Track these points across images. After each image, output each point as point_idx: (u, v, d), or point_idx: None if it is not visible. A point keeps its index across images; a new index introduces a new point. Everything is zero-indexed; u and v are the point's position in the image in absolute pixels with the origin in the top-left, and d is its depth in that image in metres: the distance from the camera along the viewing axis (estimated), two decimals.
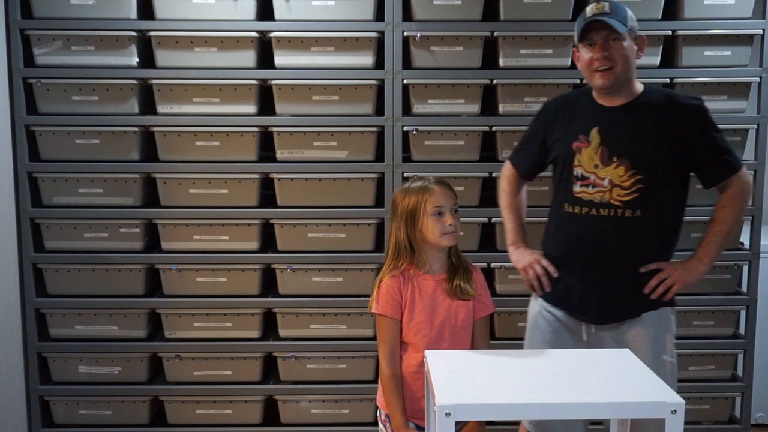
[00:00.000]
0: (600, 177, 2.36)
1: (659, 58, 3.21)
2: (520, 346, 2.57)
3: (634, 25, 2.36)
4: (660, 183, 2.35)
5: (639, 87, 2.42)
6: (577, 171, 2.40)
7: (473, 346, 2.27)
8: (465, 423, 2.25)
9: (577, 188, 2.40)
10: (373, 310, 2.24)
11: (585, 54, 2.37)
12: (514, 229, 2.58)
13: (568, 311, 2.45)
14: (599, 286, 2.39)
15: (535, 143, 2.55)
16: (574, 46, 2.45)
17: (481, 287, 2.29)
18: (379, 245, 3.25)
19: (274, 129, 3.21)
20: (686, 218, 3.13)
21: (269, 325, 3.36)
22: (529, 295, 2.60)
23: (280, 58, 3.18)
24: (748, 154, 3.30)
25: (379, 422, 2.33)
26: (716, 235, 2.38)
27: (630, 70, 2.36)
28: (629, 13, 2.36)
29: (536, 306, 2.53)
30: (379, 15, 3.15)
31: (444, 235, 2.18)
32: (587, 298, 2.41)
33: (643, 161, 2.33)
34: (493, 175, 3.13)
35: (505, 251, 2.58)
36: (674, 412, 1.66)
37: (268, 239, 3.31)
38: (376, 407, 2.37)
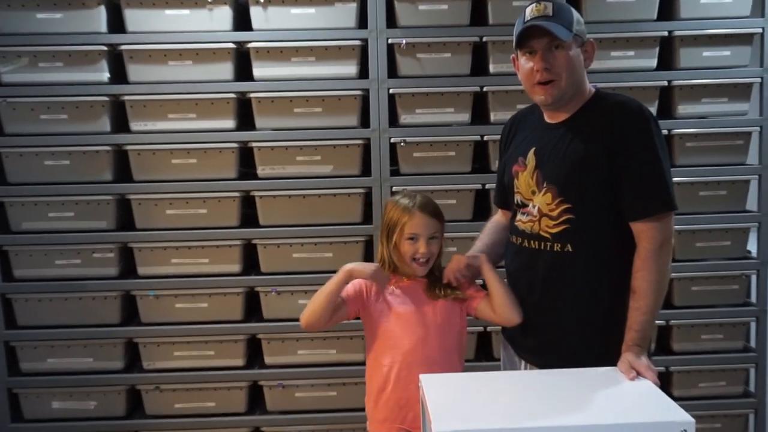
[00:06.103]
0: (534, 204, 2.13)
1: (656, 61, 3.14)
2: None
3: (582, 29, 2.09)
4: (591, 215, 2.06)
5: (588, 97, 2.14)
6: (517, 198, 2.20)
7: (496, 313, 2.18)
8: None
9: (517, 216, 2.20)
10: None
11: (524, 63, 2.10)
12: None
13: (512, 346, 2.30)
14: (534, 326, 2.16)
15: (501, 166, 2.33)
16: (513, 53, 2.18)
17: (466, 286, 2.25)
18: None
19: (255, 144, 3.15)
20: (689, 227, 3.15)
21: (254, 353, 3.29)
22: None
23: (259, 70, 3.13)
24: (751, 158, 3.22)
25: None
26: (642, 313, 2.00)
27: (576, 83, 2.09)
28: (575, 15, 2.08)
29: None
30: (362, 22, 3.11)
31: (413, 261, 2.18)
32: (526, 336, 2.20)
33: (570, 188, 2.06)
34: (486, 186, 3.09)
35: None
36: None
37: (250, 261, 3.25)
38: None
